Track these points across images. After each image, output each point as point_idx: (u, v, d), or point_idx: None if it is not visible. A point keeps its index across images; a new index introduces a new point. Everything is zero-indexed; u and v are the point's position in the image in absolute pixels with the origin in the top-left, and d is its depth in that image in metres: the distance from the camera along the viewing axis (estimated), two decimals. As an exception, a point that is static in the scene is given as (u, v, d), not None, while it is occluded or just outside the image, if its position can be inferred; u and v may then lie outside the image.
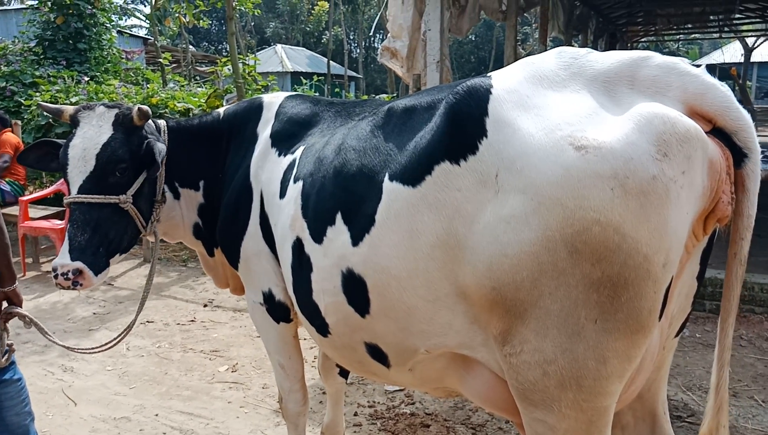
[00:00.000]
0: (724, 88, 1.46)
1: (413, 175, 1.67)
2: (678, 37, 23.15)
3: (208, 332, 4.98)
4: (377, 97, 17.72)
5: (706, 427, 1.65)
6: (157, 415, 3.63)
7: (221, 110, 2.72)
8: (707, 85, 1.45)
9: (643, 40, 22.07)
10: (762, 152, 1.56)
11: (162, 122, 2.65)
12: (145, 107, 2.41)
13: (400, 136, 1.81)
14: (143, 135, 2.43)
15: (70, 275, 2.26)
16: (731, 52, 30.43)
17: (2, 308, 2.68)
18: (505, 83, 1.59)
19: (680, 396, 3.67)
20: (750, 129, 1.44)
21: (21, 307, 2.72)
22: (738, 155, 1.46)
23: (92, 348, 2.82)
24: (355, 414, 3.56)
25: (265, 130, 2.47)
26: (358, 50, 41.83)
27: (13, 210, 6.83)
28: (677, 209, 1.39)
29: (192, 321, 5.23)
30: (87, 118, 2.41)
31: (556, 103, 1.50)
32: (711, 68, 33.50)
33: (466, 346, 1.71)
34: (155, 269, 2.67)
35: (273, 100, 2.57)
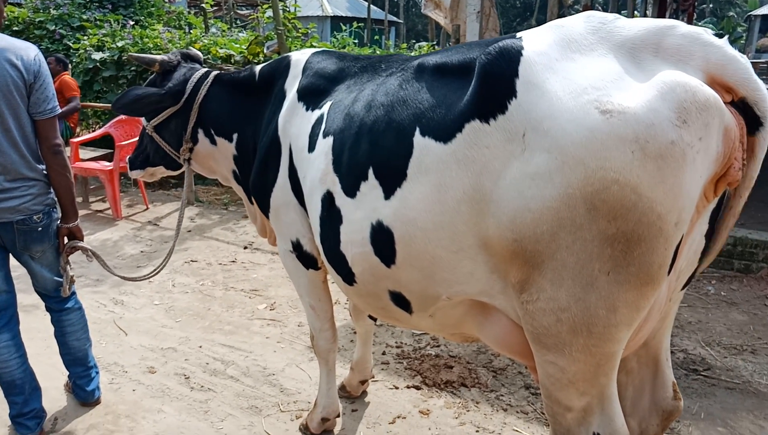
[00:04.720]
0: (744, 60, 1.50)
1: (444, 132, 1.75)
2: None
3: (248, 272, 5.25)
4: (416, 45, 17.38)
5: None
6: (200, 346, 3.91)
7: (257, 68, 2.80)
8: (729, 57, 1.50)
9: (697, -13, 20.86)
10: None
11: (214, 73, 2.87)
12: (165, 57, 2.92)
13: (431, 94, 1.87)
14: (169, 79, 2.89)
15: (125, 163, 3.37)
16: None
17: (66, 243, 2.94)
18: (536, 45, 1.65)
19: (699, 350, 3.76)
20: None
21: (83, 241, 2.98)
22: (754, 123, 1.52)
23: (140, 276, 3.22)
24: (383, 353, 3.78)
25: (293, 86, 2.54)
26: (399, -7, 40.85)
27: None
28: (692, 173, 1.46)
29: (233, 262, 5.50)
30: None
31: (584, 67, 1.56)
32: (770, 19, 31.73)
33: (486, 293, 1.84)
34: (185, 207, 3.24)
35: (300, 57, 2.64)
